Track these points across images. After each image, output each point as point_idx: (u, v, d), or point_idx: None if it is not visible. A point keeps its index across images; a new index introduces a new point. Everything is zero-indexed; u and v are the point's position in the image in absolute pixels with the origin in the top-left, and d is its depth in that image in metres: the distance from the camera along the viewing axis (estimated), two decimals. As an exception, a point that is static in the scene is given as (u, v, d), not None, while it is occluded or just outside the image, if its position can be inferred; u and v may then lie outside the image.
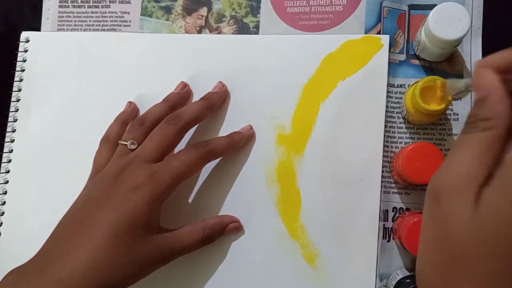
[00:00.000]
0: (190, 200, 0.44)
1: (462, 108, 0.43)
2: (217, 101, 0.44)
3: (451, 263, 0.21)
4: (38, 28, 0.50)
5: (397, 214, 0.42)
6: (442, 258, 0.22)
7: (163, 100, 0.43)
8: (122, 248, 0.34)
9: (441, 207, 0.22)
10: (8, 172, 0.48)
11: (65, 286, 0.32)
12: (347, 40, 0.44)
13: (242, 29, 0.47)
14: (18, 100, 0.49)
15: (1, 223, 0.47)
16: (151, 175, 0.36)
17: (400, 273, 0.40)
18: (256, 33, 0.47)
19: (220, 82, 0.45)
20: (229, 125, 0.45)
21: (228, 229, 0.42)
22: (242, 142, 0.43)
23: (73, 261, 0.33)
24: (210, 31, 0.48)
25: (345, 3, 0.46)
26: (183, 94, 0.44)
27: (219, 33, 0.47)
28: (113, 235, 0.34)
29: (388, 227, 0.42)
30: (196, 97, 0.45)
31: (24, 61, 0.49)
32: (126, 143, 0.39)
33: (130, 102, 0.46)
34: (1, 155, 0.48)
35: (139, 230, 0.35)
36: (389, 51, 0.44)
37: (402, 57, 0.44)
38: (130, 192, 0.35)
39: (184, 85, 0.45)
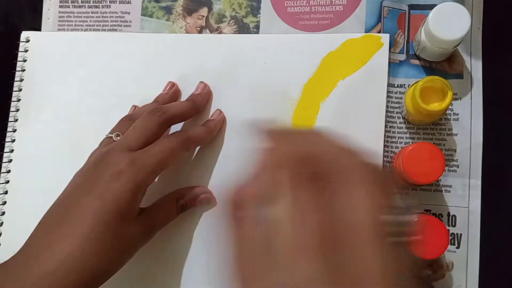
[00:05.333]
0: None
1: (462, 108, 0.43)
2: (202, 102, 0.44)
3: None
4: (38, 28, 0.50)
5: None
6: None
7: (153, 101, 0.44)
8: (108, 235, 0.34)
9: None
10: (8, 172, 0.48)
11: (54, 278, 0.32)
12: (347, 39, 0.44)
13: (242, 29, 0.47)
14: (18, 100, 0.49)
15: (2, 223, 0.47)
16: (133, 161, 0.36)
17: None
18: (257, 33, 0.47)
19: (202, 82, 0.45)
20: (229, 125, 0.45)
21: (200, 200, 0.43)
22: (217, 127, 0.44)
23: (60, 252, 0.33)
24: (211, 31, 0.48)
25: (345, 3, 0.46)
26: (171, 94, 0.45)
27: (220, 33, 0.48)
28: (99, 223, 0.34)
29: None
30: (197, 97, 0.45)
31: (25, 61, 0.49)
32: (111, 135, 0.40)
33: (134, 106, 0.46)
34: (2, 155, 0.48)
35: (123, 215, 0.35)
36: (389, 50, 0.44)
37: (402, 57, 0.44)
38: (112, 179, 0.35)
39: (172, 85, 0.45)
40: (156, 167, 0.37)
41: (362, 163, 0.21)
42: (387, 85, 0.43)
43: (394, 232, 0.20)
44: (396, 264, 0.18)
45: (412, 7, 0.45)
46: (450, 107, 0.42)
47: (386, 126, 0.43)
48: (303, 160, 0.21)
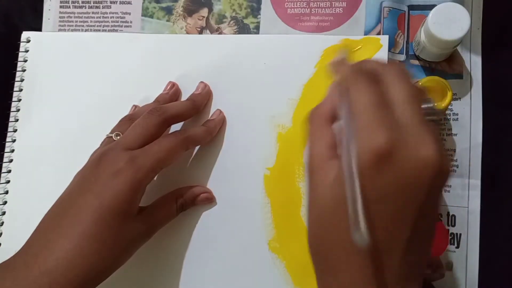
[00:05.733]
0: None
1: (461, 108, 0.43)
2: (202, 102, 0.44)
3: (317, 221, 0.27)
4: (39, 29, 0.50)
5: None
6: (312, 218, 0.27)
7: (154, 101, 0.44)
8: (107, 233, 0.34)
9: (311, 179, 0.27)
10: (9, 172, 0.48)
11: (53, 276, 0.32)
12: (347, 39, 0.44)
13: (242, 29, 0.47)
14: (19, 100, 0.49)
15: (2, 223, 0.47)
16: (132, 160, 0.36)
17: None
18: (257, 33, 0.47)
19: (202, 82, 0.45)
20: (230, 125, 0.45)
21: (200, 199, 0.43)
22: (217, 127, 0.44)
23: (59, 251, 0.33)
24: (211, 32, 0.48)
25: (345, 5, 0.46)
26: (171, 94, 0.45)
27: (220, 33, 0.48)
28: (97, 221, 0.34)
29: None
30: (197, 97, 0.45)
31: (25, 61, 0.49)
32: (111, 135, 0.40)
33: (135, 106, 0.46)
34: (2, 155, 0.48)
35: (122, 214, 0.35)
36: (389, 51, 0.44)
37: (402, 57, 0.44)
38: (111, 177, 0.35)
39: (172, 85, 0.46)
40: (155, 166, 0.37)
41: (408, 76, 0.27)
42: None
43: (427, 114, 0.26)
44: (429, 126, 0.25)
45: (411, 7, 0.45)
46: (449, 107, 0.43)
47: (386, 126, 0.43)
48: (362, 68, 0.28)
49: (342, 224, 0.25)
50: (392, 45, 0.44)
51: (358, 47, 0.44)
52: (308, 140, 0.29)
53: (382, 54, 0.43)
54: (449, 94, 0.39)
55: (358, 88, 0.26)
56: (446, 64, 0.44)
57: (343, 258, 0.26)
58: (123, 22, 0.50)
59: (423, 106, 0.26)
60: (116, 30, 0.49)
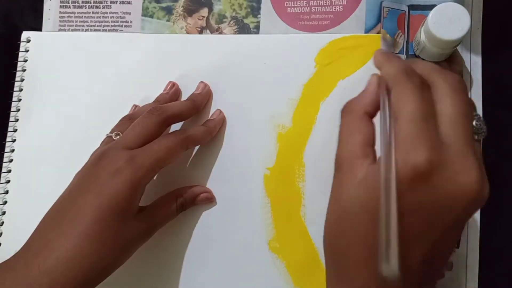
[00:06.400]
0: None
1: (462, 108, 0.43)
2: (202, 102, 0.44)
3: (337, 221, 0.26)
4: (39, 29, 0.50)
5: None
6: (333, 216, 0.27)
7: (154, 100, 0.44)
8: (107, 233, 0.34)
9: (339, 176, 0.27)
10: (9, 171, 0.48)
11: (52, 276, 0.32)
12: (347, 38, 0.44)
13: (242, 29, 0.47)
14: (19, 100, 0.49)
15: (2, 223, 0.47)
16: (131, 159, 0.36)
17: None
18: (257, 33, 0.47)
19: (202, 82, 0.45)
20: (230, 125, 0.45)
21: (200, 199, 0.43)
22: (217, 127, 0.44)
23: (58, 250, 0.33)
24: (211, 32, 0.48)
25: (345, 3, 0.46)
26: (172, 93, 0.45)
27: (220, 33, 0.48)
28: (97, 221, 0.34)
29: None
30: (197, 97, 0.45)
31: (25, 61, 0.49)
32: (111, 134, 0.40)
33: (135, 106, 0.46)
34: (3, 155, 0.48)
35: (122, 213, 0.35)
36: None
37: (402, 57, 0.44)
38: (111, 177, 0.35)
39: (173, 85, 0.46)
40: (154, 165, 0.37)
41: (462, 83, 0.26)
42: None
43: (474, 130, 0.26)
44: (474, 148, 0.24)
45: (411, 7, 0.45)
46: (449, 107, 0.42)
47: (386, 126, 0.43)
48: (413, 69, 0.26)
49: (363, 228, 0.24)
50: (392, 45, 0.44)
51: (366, 41, 0.44)
52: (341, 133, 0.28)
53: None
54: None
55: (405, 92, 0.24)
56: (446, 64, 0.44)
57: (359, 261, 0.25)
58: (123, 22, 0.50)
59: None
60: (116, 30, 0.49)
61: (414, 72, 0.26)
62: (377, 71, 0.29)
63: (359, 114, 0.27)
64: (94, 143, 0.41)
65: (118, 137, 0.39)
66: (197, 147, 0.45)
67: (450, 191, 0.23)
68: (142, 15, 0.49)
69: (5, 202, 0.47)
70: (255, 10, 0.47)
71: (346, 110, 0.28)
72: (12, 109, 0.49)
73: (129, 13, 0.50)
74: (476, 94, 0.43)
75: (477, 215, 0.42)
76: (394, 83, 0.25)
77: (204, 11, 0.48)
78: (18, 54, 0.49)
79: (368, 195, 0.24)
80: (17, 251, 0.35)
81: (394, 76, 0.26)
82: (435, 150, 0.23)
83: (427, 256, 0.24)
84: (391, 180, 0.22)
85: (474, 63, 0.44)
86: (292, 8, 0.47)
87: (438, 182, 0.23)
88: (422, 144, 0.23)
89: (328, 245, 0.28)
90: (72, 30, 0.50)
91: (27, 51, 0.49)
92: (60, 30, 0.50)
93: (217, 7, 0.48)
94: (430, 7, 0.40)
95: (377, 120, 0.28)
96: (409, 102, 0.24)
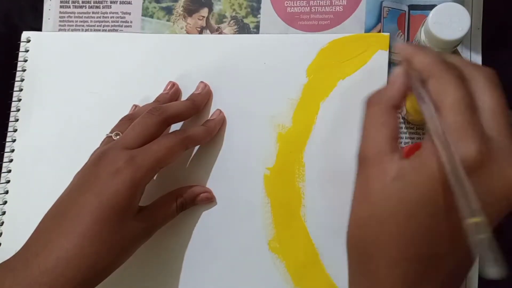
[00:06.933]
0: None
1: (462, 108, 0.43)
2: (202, 102, 0.44)
3: (367, 219, 0.25)
4: (39, 29, 0.50)
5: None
6: (361, 214, 0.26)
7: (154, 100, 0.44)
8: (107, 233, 0.34)
9: (365, 172, 0.26)
10: (9, 171, 0.48)
11: (52, 275, 0.32)
12: (348, 37, 0.44)
13: (242, 29, 0.47)
14: (19, 100, 0.49)
15: (2, 223, 0.47)
16: (131, 159, 0.36)
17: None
18: (257, 33, 0.47)
19: (202, 82, 0.45)
20: (230, 125, 0.45)
21: (200, 199, 0.43)
22: (217, 127, 0.44)
23: (58, 250, 0.33)
24: (211, 32, 0.48)
25: (345, 3, 0.46)
26: (172, 93, 0.45)
27: (220, 33, 0.48)
28: (97, 221, 0.34)
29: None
30: (197, 97, 0.45)
31: (25, 61, 0.49)
32: (111, 134, 0.40)
33: (135, 106, 0.46)
34: (3, 154, 0.48)
35: (122, 213, 0.35)
36: (389, 51, 0.44)
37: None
38: (111, 177, 0.35)
39: (173, 85, 0.46)
40: (154, 165, 0.37)
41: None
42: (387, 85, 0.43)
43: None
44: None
45: (412, 7, 0.45)
46: (450, 107, 0.42)
47: (386, 126, 0.43)
48: (448, 62, 0.25)
49: (398, 228, 0.24)
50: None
51: (366, 41, 0.44)
52: (366, 126, 0.27)
53: (382, 53, 0.43)
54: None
55: (447, 82, 0.24)
56: (446, 64, 0.44)
57: (390, 263, 0.24)
58: (123, 22, 0.50)
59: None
60: (116, 30, 0.49)
61: (451, 63, 0.25)
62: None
63: (386, 106, 0.26)
64: (94, 143, 0.41)
65: (118, 137, 0.39)
66: (197, 147, 0.45)
67: (496, 184, 0.23)
68: (142, 15, 0.49)
69: (5, 202, 0.47)
70: (255, 10, 0.47)
71: (372, 102, 0.27)
72: (12, 109, 0.49)
73: (129, 13, 0.50)
74: (476, 94, 0.43)
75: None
76: (432, 74, 0.24)
77: (204, 11, 0.48)
78: (18, 54, 0.49)
79: (406, 193, 0.23)
80: (17, 251, 0.35)
81: (431, 66, 0.24)
82: (483, 141, 0.22)
83: (459, 255, 0.24)
84: (458, 167, 0.22)
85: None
86: (292, 8, 0.47)
87: (485, 175, 0.22)
88: (470, 135, 0.22)
89: (354, 246, 0.26)
90: (72, 30, 0.50)
91: (27, 51, 0.49)
92: (60, 30, 0.50)
93: (217, 7, 0.48)
94: (430, 7, 0.40)
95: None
96: (451, 93, 0.23)
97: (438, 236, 0.24)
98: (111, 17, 0.50)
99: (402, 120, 0.43)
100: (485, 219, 0.21)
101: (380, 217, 0.24)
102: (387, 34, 0.44)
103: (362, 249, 0.26)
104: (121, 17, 0.50)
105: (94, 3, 0.50)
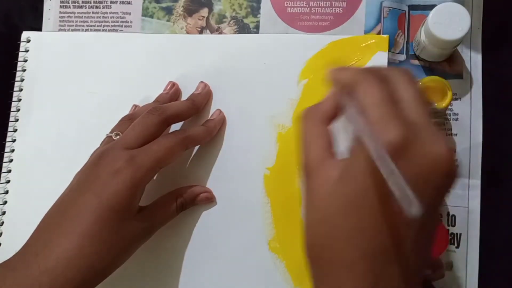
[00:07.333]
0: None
1: (461, 108, 0.43)
2: (202, 102, 0.44)
3: (318, 224, 0.26)
4: (39, 29, 0.50)
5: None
6: (312, 221, 0.27)
7: (154, 100, 0.44)
8: (106, 232, 0.34)
9: (310, 180, 0.27)
10: (9, 171, 0.48)
11: (52, 275, 0.32)
12: (348, 38, 0.44)
13: (242, 29, 0.47)
14: (19, 100, 0.49)
15: (3, 223, 0.47)
16: (131, 159, 0.36)
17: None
18: (257, 33, 0.47)
19: (202, 82, 0.45)
20: (230, 125, 0.45)
21: (200, 199, 0.43)
22: (217, 127, 0.44)
23: (58, 250, 0.33)
24: (211, 32, 0.48)
25: (344, 5, 0.46)
26: (172, 93, 0.45)
27: (220, 33, 0.48)
28: (97, 221, 0.34)
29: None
30: (197, 97, 0.45)
31: (25, 61, 0.49)
32: (111, 134, 0.40)
33: (135, 106, 0.46)
34: (3, 154, 0.48)
35: (122, 213, 0.35)
36: (389, 51, 0.44)
37: (402, 57, 0.44)
38: (111, 176, 0.35)
39: (173, 85, 0.46)
40: (154, 165, 0.37)
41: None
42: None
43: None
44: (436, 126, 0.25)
45: (412, 7, 0.45)
46: (449, 107, 0.43)
47: (386, 126, 0.43)
48: (369, 70, 0.28)
49: (349, 224, 0.25)
50: (392, 45, 0.44)
51: (366, 43, 0.44)
52: (303, 139, 0.28)
53: (382, 54, 0.43)
54: (449, 94, 0.39)
55: (368, 85, 0.26)
56: (446, 64, 0.44)
57: (347, 263, 0.25)
58: (123, 22, 0.50)
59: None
60: (116, 30, 0.49)
61: (369, 70, 0.28)
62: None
63: (319, 119, 0.28)
64: (94, 143, 0.41)
65: (118, 137, 0.39)
66: (197, 147, 0.45)
67: (426, 162, 0.24)
68: (142, 15, 0.49)
69: (5, 202, 0.47)
70: (255, 10, 0.47)
71: (306, 117, 0.29)
72: (12, 109, 0.49)
73: (129, 13, 0.50)
74: (476, 94, 0.43)
75: (477, 215, 0.42)
76: (355, 83, 0.26)
77: (204, 11, 0.48)
78: (18, 54, 0.49)
79: (349, 188, 0.25)
80: (17, 251, 0.35)
81: (353, 77, 0.27)
82: (405, 126, 0.24)
83: (414, 242, 0.25)
84: (383, 153, 0.23)
85: (474, 63, 0.44)
86: (292, 8, 0.47)
87: (415, 155, 0.24)
88: (393, 121, 0.24)
89: (311, 254, 0.27)
90: (72, 30, 0.50)
91: (27, 51, 0.49)
92: (60, 30, 0.50)
93: (217, 7, 0.48)
94: (431, 7, 0.40)
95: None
96: (373, 92, 0.25)
97: (386, 224, 0.24)
98: (111, 17, 0.50)
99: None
100: (415, 195, 0.22)
101: (331, 217, 0.25)
102: (387, 35, 0.44)
103: (318, 254, 0.27)
104: (121, 17, 0.50)
105: (94, 3, 0.50)
